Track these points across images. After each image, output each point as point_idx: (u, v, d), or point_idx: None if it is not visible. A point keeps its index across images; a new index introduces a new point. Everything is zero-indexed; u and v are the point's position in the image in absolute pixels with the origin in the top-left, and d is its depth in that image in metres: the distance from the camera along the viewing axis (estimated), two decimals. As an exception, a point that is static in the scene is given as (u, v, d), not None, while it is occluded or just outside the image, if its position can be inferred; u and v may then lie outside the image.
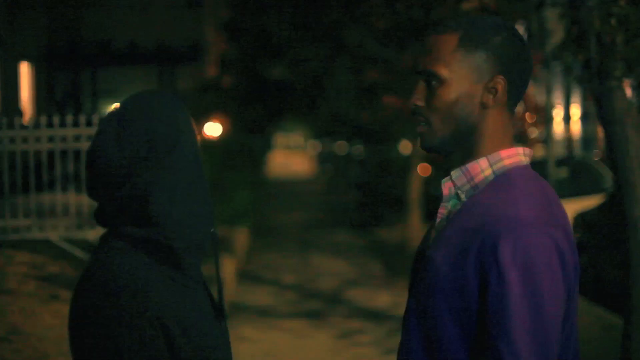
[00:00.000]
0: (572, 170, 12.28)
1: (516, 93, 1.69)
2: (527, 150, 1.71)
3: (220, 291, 1.82)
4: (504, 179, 1.66)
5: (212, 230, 1.78)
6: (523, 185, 1.64)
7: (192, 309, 1.71)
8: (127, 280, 1.62)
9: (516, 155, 1.69)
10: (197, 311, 1.72)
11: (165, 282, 1.67)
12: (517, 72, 1.67)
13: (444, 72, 1.67)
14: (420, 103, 1.70)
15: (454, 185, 1.70)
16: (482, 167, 1.68)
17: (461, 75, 1.66)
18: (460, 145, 1.70)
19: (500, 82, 1.66)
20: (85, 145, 7.97)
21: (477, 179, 1.68)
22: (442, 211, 1.71)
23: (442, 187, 1.71)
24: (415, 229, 13.23)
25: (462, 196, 1.68)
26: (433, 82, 1.68)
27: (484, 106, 1.67)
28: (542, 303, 1.54)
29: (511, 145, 1.70)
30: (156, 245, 1.68)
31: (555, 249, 1.57)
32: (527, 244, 1.55)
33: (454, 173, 1.70)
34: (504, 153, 1.68)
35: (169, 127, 1.71)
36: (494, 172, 1.67)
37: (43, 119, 7.91)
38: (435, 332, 1.64)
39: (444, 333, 1.62)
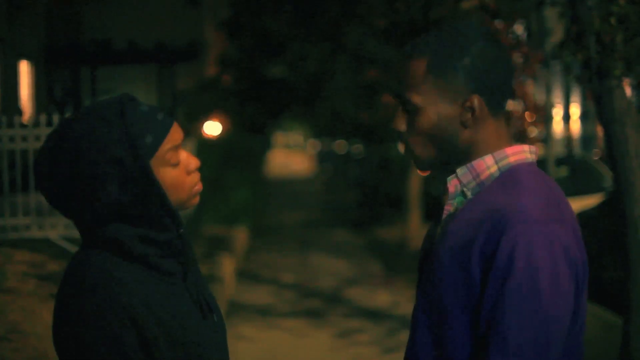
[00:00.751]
0: (571, 169, 12.27)
1: (498, 100, 1.69)
2: (533, 147, 1.71)
3: (192, 290, 1.79)
4: (509, 175, 1.66)
5: (180, 231, 1.74)
6: (529, 181, 1.64)
7: (169, 304, 1.70)
8: (95, 276, 1.64)
9: (522, 153, 1.69)
10: (175, 306, 1.71)
11: (139, 279, 1.67)
12: (493, 82, 1.66)
13: (417, 99, 1.67)
14: (402, 128, 1.71)
15: (460, 182, 1.69)
16: (488, 164, 1.68)
17: (435, 100, 1.66)
18: (452, 159, 1.70)
19: (476, 101, 1.65)
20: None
21: (482, 176, 1.68)
22: (449, 208, 1.71)
23: (448, 184, 1.71)
24: (414, 228, 13.23)
25: (468, 193, 1.68)
26: (409, 108, 1.69)
27: (464, 125, 1.67)
28: (541, 303, 1.52)
29: (512, 143, 1.70)
30: (121, 249, 1.68)
31: (560, 246, 1.56)
32: (530, 240, 1.54)
33: (460, 170, 1.70)
34: (510, 150, 1.68)
35: (98, 148, 1.64)
36: (499, 168, 1.67)
37: (42, 118, 7.91)
38: (444, 327, 1.64)
39: (452, 327, 1.62)
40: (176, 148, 1.73)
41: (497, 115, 1.69)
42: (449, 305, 1.62)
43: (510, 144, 1.70)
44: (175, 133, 1.74)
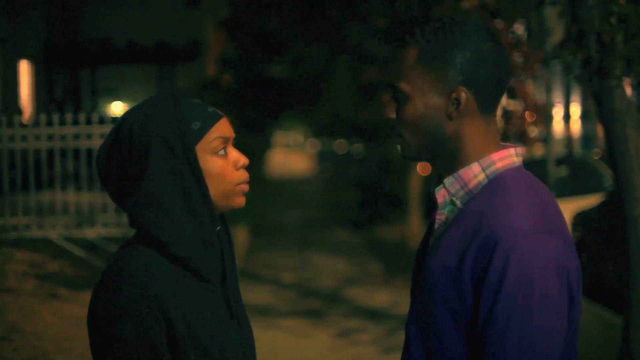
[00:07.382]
0: (571, 169, 12.27)
1: (488, 98, 1.66)
2: (519, 149, 1.69)
3: (226, 293, 1.79)
4: (497, 183, 1.64)
5: (217, 228, 1.74)
6: (517, 189, 1.62)
7: (201, 309, 1.70)
8: (132, 271, 1.65)
9: (508, 157, 1.67)
10: (206, 313, 1.71)
11: (175, 279, 1.68)
12: (484, 78, 1.65)
13: (405, 87, 1.67)
14: (392, 115, 1.71)
15: (448, 192, 1.68)
16: (475, 172, 1.66)
17: (422, 90, 1.66)
18: (438, 154, 1.69)
19: (462, 94, 1.64)
20: (84, 143, 7.97)
21: (470, 185, 1.66)
22: (440, 217, 1.70)
23: (436, 195, 1.69)
24: (414, 227, 13.24)
25: (458, 202, 1.67)
26: (398, 96, 1.69)
27: (450, 117, 1.65)
28: (534, 317, 1.52)
29: (500, 147, 1.68)
30: (164, 250, 1.69)
31: (552, 258, 1.55)
32: (520, 255, 1.53)
33: (447, 180, 1.68)
34: (496, 156, 1.66)
35: (149, 132, 1.69)
36: (487, 176, 1.65)
37: (42, 118, 7.91)
38: (438, 341, 1.62)
39: (443, 340, 1.61)
40: (225, 140, 1.75)
41: (486, 114, 1.67)
42: (440, 319, 1.61)
43: (497, 148, 1.68)
44: (225, 126, 1.76)
